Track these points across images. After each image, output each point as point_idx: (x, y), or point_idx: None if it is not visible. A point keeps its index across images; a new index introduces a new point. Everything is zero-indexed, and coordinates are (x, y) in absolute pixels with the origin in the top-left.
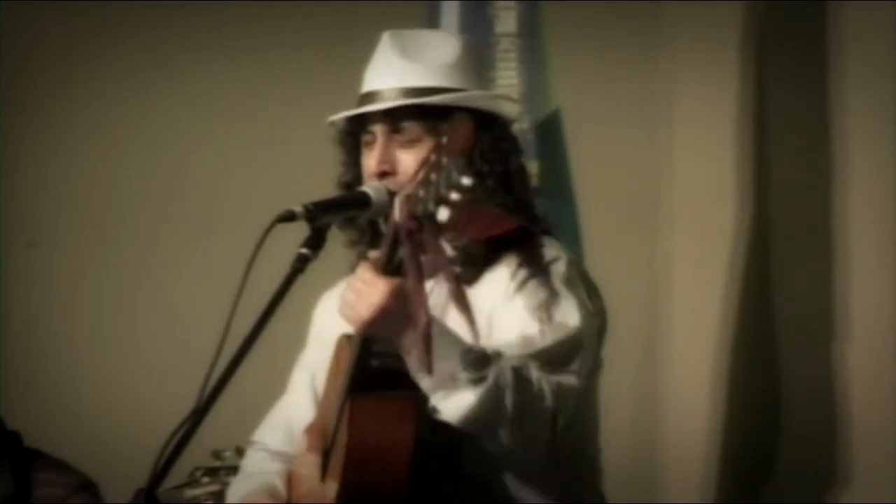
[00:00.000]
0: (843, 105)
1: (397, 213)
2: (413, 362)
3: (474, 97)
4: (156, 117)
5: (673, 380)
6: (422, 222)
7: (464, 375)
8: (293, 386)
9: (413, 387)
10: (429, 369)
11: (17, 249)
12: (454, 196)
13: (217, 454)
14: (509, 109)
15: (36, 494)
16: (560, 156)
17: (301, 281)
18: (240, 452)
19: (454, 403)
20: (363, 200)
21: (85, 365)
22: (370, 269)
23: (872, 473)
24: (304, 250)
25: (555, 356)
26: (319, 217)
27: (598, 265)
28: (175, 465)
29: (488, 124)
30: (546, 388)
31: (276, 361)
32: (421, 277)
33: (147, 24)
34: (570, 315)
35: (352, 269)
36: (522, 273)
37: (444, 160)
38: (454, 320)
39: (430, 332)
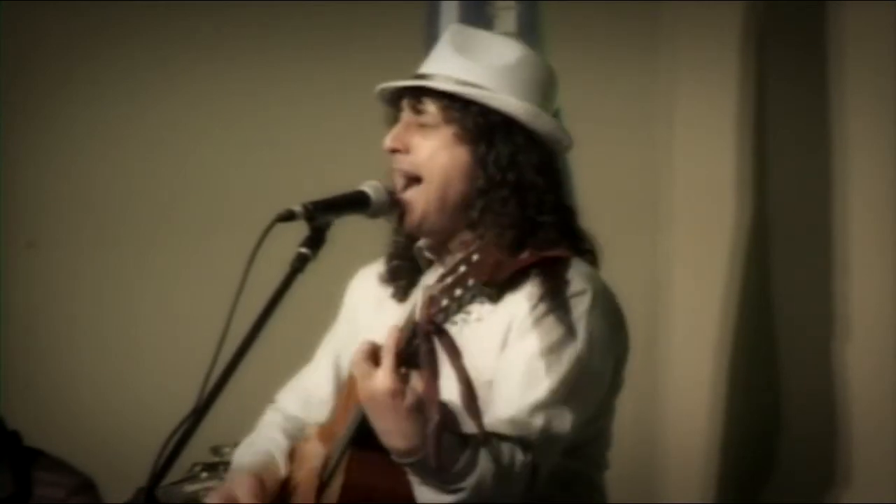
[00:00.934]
0: (843, 105)
1: (418, 310)
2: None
3: (489, 97)
4: (156, 117)
5: (673, 380)
6: (440, 326)
7: (447, 486)
8: (317, 359)
9: None
10: (438, 465)
11: (17, 250)
12: (474, 316)
13: (216, 450)
14: (534, 120)
15: (36, 494)
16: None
17: (300, 280)
18: None
19: (429, 496)
20: (362, 200)
21: (85, 365)
22: (388, 364)
23: (872, 473)
24: (303, 250)
25: (553, 402)
26: (319, 216)
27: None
28: (175, 464)
29: (509, 131)
30: (528, 467)
31: (276, 360)
32: (435, 377)
33: (147, 24)
34: (575, 359)
35: (384, 279)
36: (542, 307)
37: (472, 282)
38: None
39: (441, 431)
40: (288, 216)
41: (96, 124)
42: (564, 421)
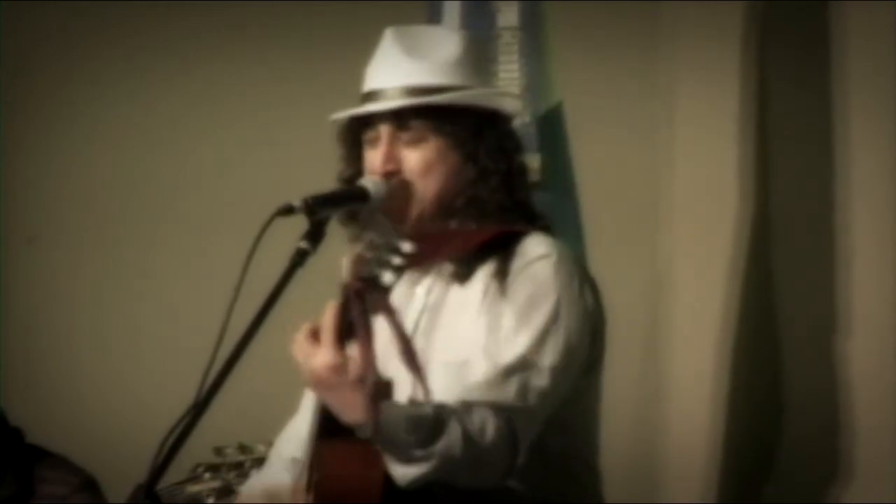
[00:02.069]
0: (844, 104)
1: (345, 273)
2: (360, 427)
3: (478, 96)
4: (156, 117)
5: (674, 379)
6: (369, 283)
7: (414, 453)
8: (305, 400)
9: None
10: (375, 430)
11: (17, 250)
12: (396, 261)
13: (219, 451)
14: (510, 105)
15: (38, 492)
16: (562, 150)
17: (300, 276)
18: (242, 449)
19: (403, 471)
20: (362, 194)
21: (85, 364)
22: (327, 340)
23: (874, 473)
24: (303, 244)
25: (527, 362)
26: (318, 211)
27: (599, 264)
28: (175, 461)
29: (493, 121)
30: (503, 431)
31: (276, 357)
32: (369, 338)
33: (147, 24)
34: (546, 318)
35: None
36: (509, 277)
37: (386, 223)
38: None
39: (376, 393)
40: (287, 210)
41: (96, 124)
42: (542, 378)
